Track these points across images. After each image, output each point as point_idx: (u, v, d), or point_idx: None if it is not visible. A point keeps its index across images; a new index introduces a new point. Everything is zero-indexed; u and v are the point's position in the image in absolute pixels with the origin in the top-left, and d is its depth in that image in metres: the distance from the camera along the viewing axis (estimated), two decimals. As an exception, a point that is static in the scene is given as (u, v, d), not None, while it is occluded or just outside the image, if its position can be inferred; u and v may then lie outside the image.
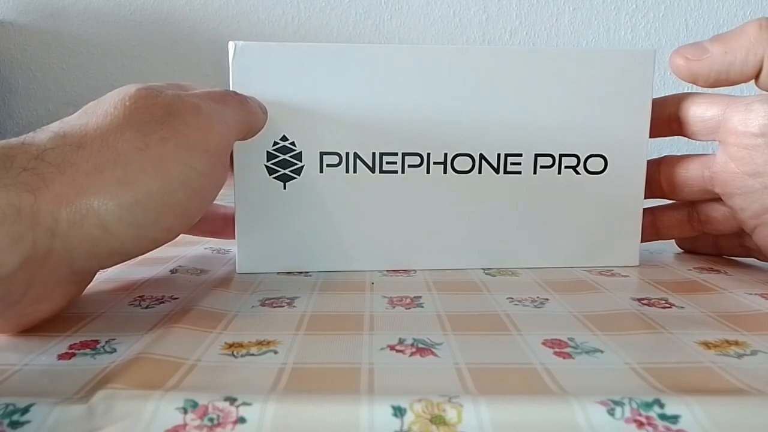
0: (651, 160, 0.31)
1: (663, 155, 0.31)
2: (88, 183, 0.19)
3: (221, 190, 0.32)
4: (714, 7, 0.91)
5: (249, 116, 0.26)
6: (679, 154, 0.31)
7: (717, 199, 0.30)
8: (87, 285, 0.23)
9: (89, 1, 0.91)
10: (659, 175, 0.31)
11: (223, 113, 0.24)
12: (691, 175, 0.30)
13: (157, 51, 0.91)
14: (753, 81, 0.26)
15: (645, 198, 0.32)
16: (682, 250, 0.35)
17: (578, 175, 0.29)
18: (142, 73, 0.91)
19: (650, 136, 0.30)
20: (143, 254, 0.22)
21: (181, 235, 0.32)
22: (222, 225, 0.32)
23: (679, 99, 0.29)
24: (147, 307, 0.24)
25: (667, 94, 0.30)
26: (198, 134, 0.22)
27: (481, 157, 0.29)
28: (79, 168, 0.19)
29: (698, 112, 0.28)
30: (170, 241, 0.23)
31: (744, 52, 0.24)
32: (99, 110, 0.21)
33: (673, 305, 0.24)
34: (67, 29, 0.91)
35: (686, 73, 0.27)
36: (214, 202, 0.32)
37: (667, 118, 0.30)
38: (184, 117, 0.22)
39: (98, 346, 0.20)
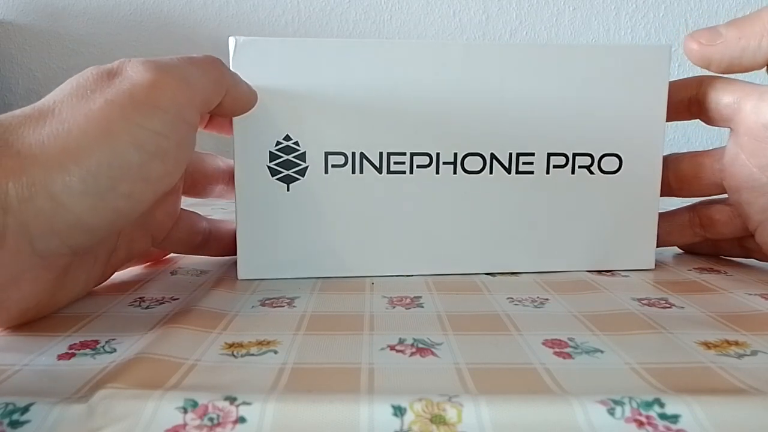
0: None
1: (669, 153, 0.31)
2: (31, 155, 0.18)
3: (222, 199, 0.32)
4: (714, 7, 0.91)
5: (221, 78, 0.24)
6: (684, 151, 0.31)
7: (720, 200, 0.30)
8: (61, 271, 0.21)
9: (89, 1, 0.91)
10: (668, 172, 0.31)
11: (182, 69, 0.22)
12: (701, 169, 0.30)
13: (157, 51, 0.91)
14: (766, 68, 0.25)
15: None
16: (681, 251, 0.35)
17: (592, 175, 0.29)
18: (142, 73, 0.91)
19: (669, 120, 0.29)
20: (112, 227, 0.21)
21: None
22: (234, 243, 0.31)
23: (699, 81, 0.29)
24: (147, 308, 0.24)
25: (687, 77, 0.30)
26: (146, 91, 0.20)
27: (493, 156, 0.28)
28: (23, 141, 0.18)
29: (716, 97, 0.28)
30: (139, 211, 0.21)
31: (758, 38, 0.24)
32: (51, 93, 0.21)
33: (673, 305, 0.24)
34: (67, 29, 0.91)
35: (699, 57, 0.26)
36: (223, 219, 0.32)
37: (687, 101, 0.29)
38: (130, 76, 0.21)
39: (98, 346, 0.20)
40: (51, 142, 0.18)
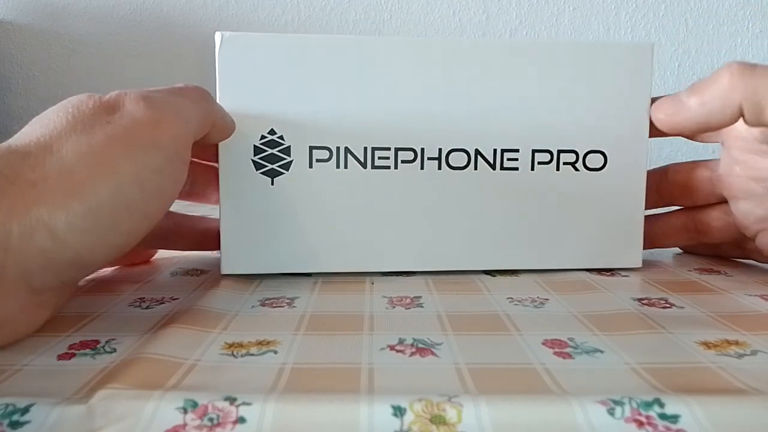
0: (656, 168, 0.31)
1: (667, 164, 0.31)
2: (35, 193, 0.18)
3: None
4: (714, 7, 0.91)
5: (211, 109, 0.24)
6: (682, 160, 0.31)
7: (718, 206, 0.30)
8: (53, 309, 0.21)
9: (89, 1, 0.91)
10: (667, 183, 0.31)
11: (178, 104, 0.22)
12: (698, 179, 0.30)
13: (157, 51, 0.91)
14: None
15: (654, 207, 0.31)
16: (681, 251, 0.35)
17: (577, 172, 0.29)
18: (142, 73, 0.91)
19: (651, 136, 0.29)
20: (105, 263, 0.21)
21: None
22: (201, 238, 0.31)
23: None
24: (147, 308, 0.24)
25: (666, 94, 0.30)
26: (148, 129, 0.21)
27: (477, 152, 0.28)
28: (25, 177, 0.18)
29: None
30: (132, 245, 0.21)
31: (720, 101, 0.24)
32: (43, 121, 0.20)
33: (673, 305, 0.24)
34: (67, 29, 0.91)
35: (668, 127, 0.27)
36: (195, 215, 0.32)
37: None
38: (131, 112, 0.21)
39: (98, 346, 0.20)
40: (54, 180, 0.18)
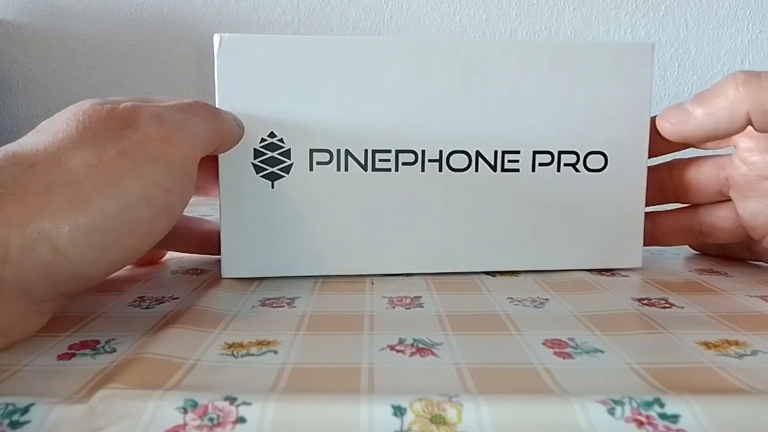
0: (661, 163, 0.31)
1: (673, 158, 0.31)
2: (39, 204, 0.17)
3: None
4: (714, 7, 0.91)
5: (220, 127, 0.24)
6: (687, 157, 0.31)
7: (725, 205, 0.30)
8: (50, 315, 0.21)
9: (89, 1, 0.91)
10: (672, 179, 0.30)
11: (189, 122, 0.22)
12: (705, 177, 0.30)
13: (157, 51, 0.92)
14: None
15: (657, 203, 0.31)
16: (681, 253, 0.35)
17: (578, 173, 0.29)
18: (142, 73, 0.91)
19: (654, 155, 0.29)
20: (106, 277, 0.21)
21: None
22: (203, 241, 0.31)
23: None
24: (147, 308, 0.24)
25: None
26: (159, 146, 0.20)
27: (478, 154, 0.28)
28: (29, 189, 0.17)
29: None
30: (134, 261, 0.21)
31: (727, 111, 0.24)
32: (51, 128, 0.20)
33: (673, 305, 0.24)
34: (67, 29, 0.91)
35: (675, 136, 0.27)
36: (198, 217, 0.31)
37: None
38: (144, 128, 0.20)
39: (98, 346, 0.20)
40: (59, 192, 0.18)
